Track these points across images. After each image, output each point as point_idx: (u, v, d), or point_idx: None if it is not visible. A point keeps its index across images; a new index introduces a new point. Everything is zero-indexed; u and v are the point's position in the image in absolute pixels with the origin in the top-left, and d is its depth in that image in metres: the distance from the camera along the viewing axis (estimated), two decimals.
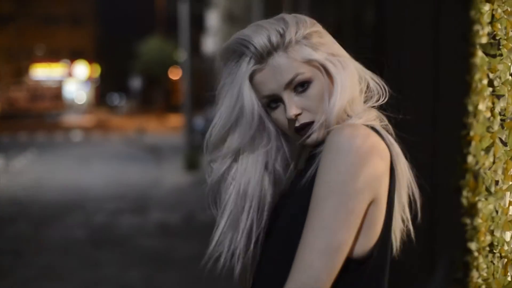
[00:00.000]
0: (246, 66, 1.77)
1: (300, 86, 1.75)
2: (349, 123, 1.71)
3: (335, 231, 1.61)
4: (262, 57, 1.76)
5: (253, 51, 1.75)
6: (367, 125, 1.73)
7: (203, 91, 37.42)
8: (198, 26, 36.06)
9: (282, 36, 1.75)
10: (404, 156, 1.81)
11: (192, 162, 18.05)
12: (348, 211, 1.62)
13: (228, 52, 1.81)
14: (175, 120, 39.51)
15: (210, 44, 37.52)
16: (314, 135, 1.76)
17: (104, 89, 69.01)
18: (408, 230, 1.90)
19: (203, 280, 7.69)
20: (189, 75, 20.24)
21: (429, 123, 4.73)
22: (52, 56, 65.84)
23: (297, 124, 1.76)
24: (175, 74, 52.20)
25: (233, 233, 1.85)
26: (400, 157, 1.78)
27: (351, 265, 1.67)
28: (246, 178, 1.82)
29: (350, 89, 1.76)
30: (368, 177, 1.63)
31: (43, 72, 66.63)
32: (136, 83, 50.22)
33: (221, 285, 7.64)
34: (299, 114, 1.75)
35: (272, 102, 1.78)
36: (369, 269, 1.70)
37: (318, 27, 1.82)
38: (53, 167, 19.27)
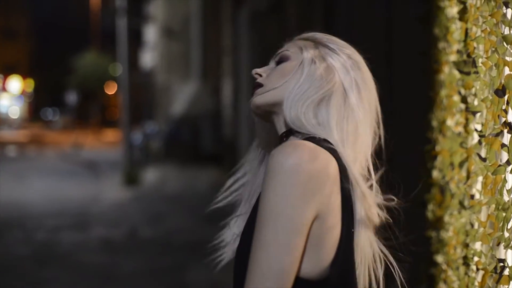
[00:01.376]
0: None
1: (279, 61, 1.88)
2: (294, 141, 1.68)
3: (277, 254, 1.59)
4: None
5: None
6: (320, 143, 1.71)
7: (140, 106, 37.23)
8: (135, 41, 35.90)
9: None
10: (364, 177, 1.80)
11: (132, 177, 17.92)
12: (288, 232, 1.60)
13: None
14: (112, 135, 39.20)
15: (148, 58, 37.37)
16: (255, 99, 1.85)
17: (38, 104, 68.08)
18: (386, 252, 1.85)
19: None
20: (127, 90, 20.12)
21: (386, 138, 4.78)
22: None
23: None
24: (111, 88, 51.84)
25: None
26: (358, 178, 1.74)
27: (303, 285, 1.65)
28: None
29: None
30: (306, 196, 1.61)
31: None
32: (71, 97, 49.67)
33: None
34: (259, 75, 1.88)
35: None
36: None
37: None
38: None
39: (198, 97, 22.31)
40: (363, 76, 1.86)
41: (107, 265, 9.14)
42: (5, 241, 10.86)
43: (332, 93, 1.79)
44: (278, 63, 1.87)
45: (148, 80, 35.66)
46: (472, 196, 2.00)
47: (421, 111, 2.89)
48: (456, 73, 2.11)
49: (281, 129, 1.84)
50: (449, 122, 2.26)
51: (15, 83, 66.14)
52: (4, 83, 65.51)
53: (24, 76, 66.30)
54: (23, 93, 66.28)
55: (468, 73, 1.91)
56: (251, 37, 14.56)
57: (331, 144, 1.74)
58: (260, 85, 1.85)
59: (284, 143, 1.68)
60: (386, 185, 1.90)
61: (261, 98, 1.83)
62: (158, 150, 23.22)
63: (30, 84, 67.99)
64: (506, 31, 1.73)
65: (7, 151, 31.00)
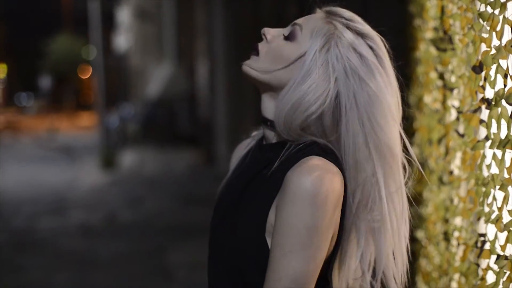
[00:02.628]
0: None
1: (287, 36, 1.75)
2: (309, 162, 1.65)
3: (303, 284, 1.62)
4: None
5: None
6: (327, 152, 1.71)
7: (115, 89, 37.05)
8: (108, 24, 35.65)
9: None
10: None
11: (109, 161, 17.86)
12: (316, 263, 1.63)
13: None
14: (87, 119, 39.00)
15: (122, 41, 37.15)
16: (245, 67, 1.77)
17: (12, 90, 67.47)
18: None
19: (130, 279, 7.68)
20: (101, 73, 20.00)
21: None
22: None
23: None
24: (84, 72, 51.52)
25: None
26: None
27: None
28: None
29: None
30: (335, 221, 1.65)
31: None
32: (45, 82, 49.31)
33: (149, 284, 7.63)
34: (266, 39, 1.77)
35: None
36: None
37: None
38: None
39: (174, 78, 22.23)
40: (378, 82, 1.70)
41: (87, 250, 9.12)
42: None
43: (326, 103, 1.70)
44: (286, 37, 1.75)
45: (123, 63, 35.48)
46: (451, 172, 2.01)
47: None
48: (432, 50, 2.12)
49: (267, 112, 1.78)
50: (427, 99, 2.28)
51: None
52: None
53: None
54: None
55: (444, 50, 1.92)
56: (226, 17, 14.51)
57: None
58: (257, 54, 1.75)
59: (300, 164, 1.65)
60: None
61: (250, 71, 1.76)
62: (135, 132, 23.14)
63: (3, 69, 67.37)
64: (482, 8, 1.74)
65: None
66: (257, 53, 1.76)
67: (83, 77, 53.78)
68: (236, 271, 1.75)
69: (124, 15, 34.55)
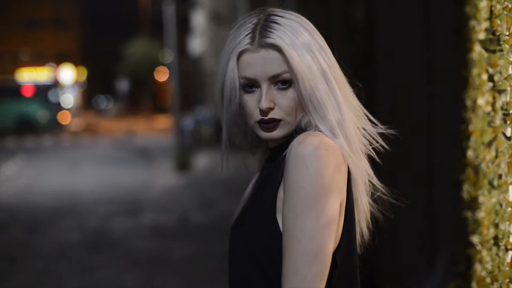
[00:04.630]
0: (242, 40, 1.81)
1: (282, 83, 1.80)
2: (312, 132, 1.77)
3: (320, 240, 1.68)
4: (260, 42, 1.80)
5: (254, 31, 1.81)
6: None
7: (191, 92, 37.41)
8: (184, 27, 36.03)
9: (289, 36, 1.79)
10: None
11: (183, 163, 18.04)
12: (327, 219, 1.69)
13: (241, 19, 1.87)
14: (163, 122, 39.46)
15: (197, 44, 37.48)
16: (277, 132, 1.82)
17: (91, 92, 68.83)
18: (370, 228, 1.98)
19: (200, 281, 7.74)
20: (177, 76, 20.23)
21: (424, 119, 4.76)
22: (38, 60, 65.56)
23: (265, 117, 1.80)
24: (161, 75, 52.13)
25: None
26: (355, 163, 1.84)
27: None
28: None
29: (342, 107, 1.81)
30: (337, 184, 1.72)
31: (29, 76, 66.34)
32: (123, 85, 50.06)
33: (218, 286, 7.67)
34: (271, 108, 1.80)
35: (248, 86, 1.82)
36: (339, 266, 1.77)
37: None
38: (43, 171, 19.22)
39: None
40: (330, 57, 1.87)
41: (158, 251, 9.23)
42: (58, 228, 11.04)
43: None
44: (282, 88, 1.80)
45: (197, 66, 35.77)
46: (500, 176, 1.98)
47: (457, 91, 2.86)
48: (484, 51, 2.08)
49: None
50: (480, 101, 2.24)
51: (68, 72, 66.92)
52: (57, 72, 66.33)
53: (76, 64, 67.03)
54: (76, 81, 67.03)
55: (493, 51, 1.89)
56: None
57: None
58: (277, 120, 1.81)
59: (296, 140, 1.74)
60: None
61: (282, 131, 1.83)
62: (209, 135, 23.32)
63: (83, 72, 68.71)
64: None
65: (61, 140, 31.44)
66: (275, 121, 1.81)
67: (160, 80, 54.41)
68: (251, 257, 1.80)
69: (199, 19, 34.88)
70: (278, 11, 1.84)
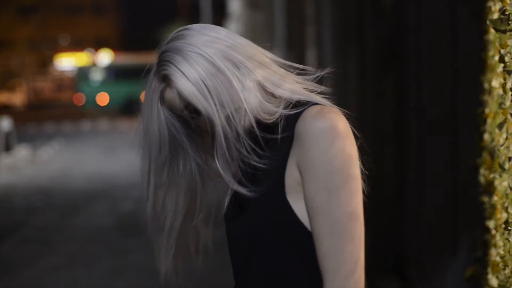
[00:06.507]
0: (157, 83, 1.76)
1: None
2: (312, 110, 1.70)
3: (359, 216, 1.65)
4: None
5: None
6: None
7: None
8: (220, 13, 36.02)
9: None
10: None
11: None
12: (358, 188, 1.66)
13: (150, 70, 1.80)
14: None
15: (233, 29, 37.48)
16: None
17: None
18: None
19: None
20: None
21: (449, 102, 4.71)
22: (76, 46, 66.08)
23: None
24: None
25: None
26: None
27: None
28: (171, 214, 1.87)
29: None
30: (355, 146, 1.68)
31: (68, 62, 66.89)
32: None
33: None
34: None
35: (192, 112, 1.74)
36: None
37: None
38: (80, 156, 19.39)
39: None
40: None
41: None
42: (91, 212, 11.14)
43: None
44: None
45: None
46: (510, 158, 1.94)
47: (478, 74, 2.82)
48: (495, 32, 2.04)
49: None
50: (494, 83, 2.20)
51: (106, 57, 67.30)
52: (95, 58, 66.77)
53: (115, 50, 67.43)
54: None
55: (504, 31, 1.85)
56: (333, 7, 14.43)
57: None
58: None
59: (305, 115, 1.68)
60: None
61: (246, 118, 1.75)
62: None
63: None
64: None
65: (98, 124, 31.68)
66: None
67: None
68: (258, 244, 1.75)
69: (235, 4, 34.84)
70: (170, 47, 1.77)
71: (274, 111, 1.72)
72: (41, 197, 12.75)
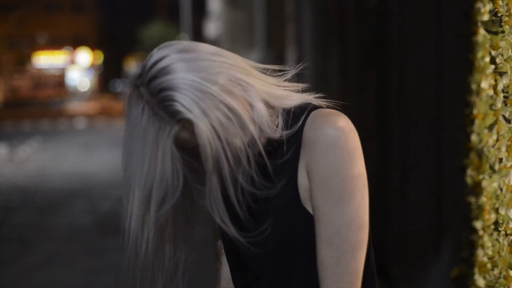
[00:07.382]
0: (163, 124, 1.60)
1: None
2: (319, 114, 1.63)
3: (364, 226, 1.60)
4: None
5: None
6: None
7: None
8: (200, 12, 35.97)
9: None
10: None
11: None
12: (365, 198, 1.61)
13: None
14: None
15: (212, 28, 37.44)
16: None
17: (107, 76, 69.03)
18: None
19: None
20: None
21: (433, 103, 4.72)
22: (55, 44, 65.80)
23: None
24: None
25: None
26: None
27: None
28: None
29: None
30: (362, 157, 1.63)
31: (46, 60, 66.58)
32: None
33: None
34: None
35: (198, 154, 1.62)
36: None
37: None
38: (58, 154, 19.28)
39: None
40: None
41: None
42: (70, 211, 11.08)
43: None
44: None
45: None
46: (500, 160, 1.94)
47: (465, 75, 2.82)
48: (486, 33, 2.04)
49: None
50: (483, 84, 2.20)
51: (84, 56, 67.06)
52: (73, 56, 66.48)
53: (93, 48, 67.18)
54: (92, 65, 67.19)
55: (495, 33, 1.84)
56: (313, 6, 14.45)
57: None
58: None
59: (313, 119, 1.62)
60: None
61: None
62: None
63: (100, 56, 68.89)
64: None
65: (76, 123, 31.55)
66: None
67: None
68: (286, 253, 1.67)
69: (215, 3, 34.81)
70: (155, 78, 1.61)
71: (277, 127, 1.65)
72: (19, 196, 12.67)
